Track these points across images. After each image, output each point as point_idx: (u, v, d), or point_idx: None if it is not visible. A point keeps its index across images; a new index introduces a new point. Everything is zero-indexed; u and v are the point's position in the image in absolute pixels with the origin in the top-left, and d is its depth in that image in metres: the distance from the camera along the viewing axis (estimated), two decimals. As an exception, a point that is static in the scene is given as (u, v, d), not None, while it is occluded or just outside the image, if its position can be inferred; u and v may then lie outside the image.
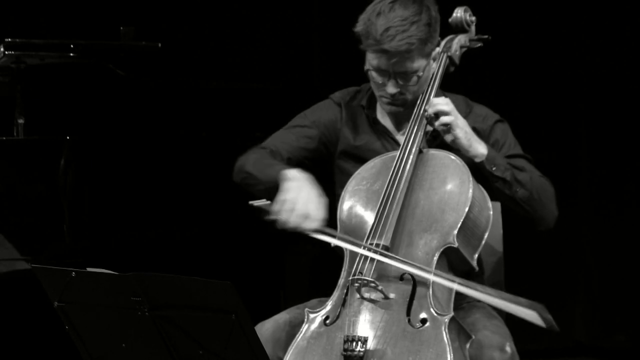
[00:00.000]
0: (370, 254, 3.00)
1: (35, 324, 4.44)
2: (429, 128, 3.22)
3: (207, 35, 5.51)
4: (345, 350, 2.90)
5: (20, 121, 4.22)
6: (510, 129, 3.33)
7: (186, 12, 5.52)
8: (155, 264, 4.01)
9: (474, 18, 3.40)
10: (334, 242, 3.05)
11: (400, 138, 3.26)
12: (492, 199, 3.18)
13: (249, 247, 4.40)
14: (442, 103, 3.17)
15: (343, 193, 3.20)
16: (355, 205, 3.17)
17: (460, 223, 3.03)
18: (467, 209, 3.05)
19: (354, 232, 3.11)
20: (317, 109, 3.43)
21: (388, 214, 3.06)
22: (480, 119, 3.30)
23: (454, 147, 3.17)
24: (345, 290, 3.03)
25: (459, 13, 3.38)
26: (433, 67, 3.26)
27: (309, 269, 4.70)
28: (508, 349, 3.02)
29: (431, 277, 2.96)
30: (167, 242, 4.23)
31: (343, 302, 3.01)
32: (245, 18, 5.53)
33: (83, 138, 4.08)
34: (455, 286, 2.98)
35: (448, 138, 3.16)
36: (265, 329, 3.12)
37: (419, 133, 3.18)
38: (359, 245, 3.03)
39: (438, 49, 3.27)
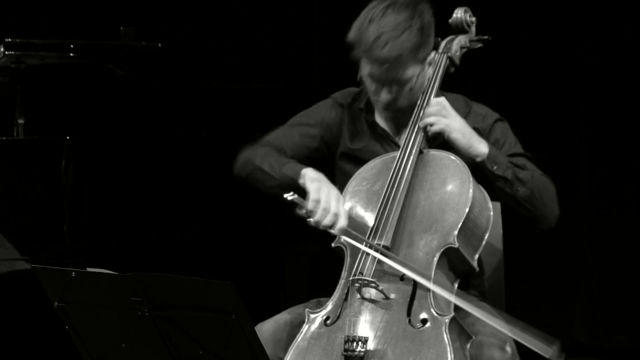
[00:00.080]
0: (382, 257, 2.99)
1: (35, 324, 4.44)
2: (430, 129, 3.22)
3: (207, 35, 5.52)
4: (345, 350, 2.90)
5: (20, 121, 4.22)
6: (512, 129, 3.32)
7: (186, 12, 5.52)
8: (155, 264, 4.02)
9: (474, 19, 3.40)
10: (359, 246, 3.04)
11: (400, 141, 3.25)
12: (493, 199, 3.18)
13: (249, 247, 4.40)
14: (432, 113, 3.16)
15: (343, 194, 3.19)
16: (356, 205, 3.16)
17: (461, 223, 3.03)
18: (467, 210, 3.05)
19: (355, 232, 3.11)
20: (320, 108, 3.42)
21: (388, 215, 3.06)
22: (480, 118, 3.29)
23: (455, 147, 3.17)
24: (345, 291, 3.03)
25: (459, 14, 3.37)
26: (429, 73, 3.25)
27: (309, 269, 4.70)
28: (508, 348, 3.02)
29: (430, 286, 2.96)
30: (167, 242, 4.23)
31: (343, 302, 3.01)
32: (245, 18, 5.54)
33: (83, 138, 4.08)
34: (453, 299, 2.98)
35: (447, 138, 3.16)
36: (265, 329, 3.12)
37: (419, 134, 3.18)
38: (373, 249, 3.02)
39: (434, 54, 3.26)
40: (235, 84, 4.91)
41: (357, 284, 2.99)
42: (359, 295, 2.99)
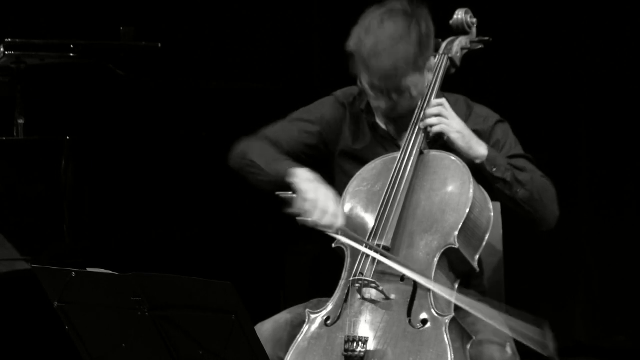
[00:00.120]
0: (380, 257, 2.99)
1: (35, 324, 4.44)
2: (430, 130, 3.21)
3: (207, 35, 5.51)
4: (346, 350, 2.90)
5: (20, 121, 4.22)
6: (512, 130, 3.32)
7: (186, 12, 5.52)
8: (155, 264, 4.02)
9: (475, 20, 3.39)
10: (358, 247, 3.04)
11: (401, 142, 3.25)
12: (493, 199, 3.18)
13: (249, 247, 4.40)
14: (433, 113, 3.16)
15: (344, 194, 3.19)
16: (356, 206, 3.16)
17: (461, 224, 3.03)
18: (467, 210, 3.04)
19: (355, 233, 3.11)
20: (321, 105, 3.42)
21: (389, 215, 3.05)
22: (481, 120, 3.29)
23: (454, 149, 3.17)
24: (346, 291, 3.03)
25: (460, 15, 3.37)
26: (428, 79, 3.24)
27: (309, 269, 4.70)
28: (509, 349, 3.02)
29: (431, 286, 2.96)
30: (167, 242, 4.23)
31: (344, 303, 3.01)
32: (245, 18, 5.53)
33: (83, 138, 4.08)
34: (454, 298, 2.98)
35: (447, 140, 3.16)
36: (265, 329, 3.12)
37: (420, 135, 3.18)
38: (371, 249, 3.02)
39: (433, 60, 3.25)
40: (235, 84, 4.91)
41: (357, 285, 2.99)
42: (359, 296, 2.99)
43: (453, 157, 3.15)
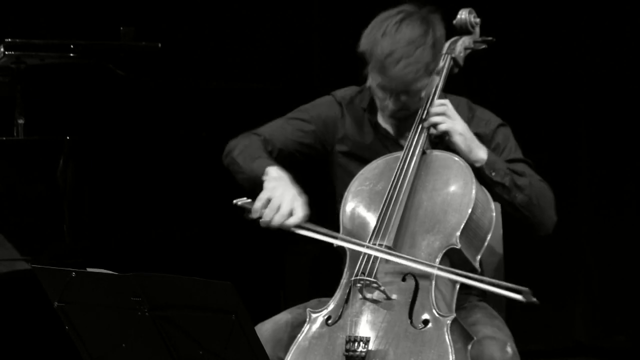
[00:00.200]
0: (374, 252, 3.00)
1: (35, 324, 4.44)
2: (433, 131, 3.21)
3: (207, 35, 5.51)
4: (347, 350, 2.90)
5: (20, 121, 4.22)
6: (512, 129, 3.32)
7: (186, 12, 5.51)
8: (155, 264, 4.01)
9: (478, 20, 3.39)
10: (317, 237, 3.06)
11: (403, 142, 3.25)
12: (493, 200, 3.18)
13: (249, 247, 4.39)
14: (437, 112, 3.16)
15: (346, 194, 3.19)
16: (358, 206, 3.16)
17: (463, 224, 3.03)
18: (470, 210, 3.04)
19: (357, 232, 3.11)
20: (319, 104, 3.43)
21: (391, 215, 3.05)
22: (483, 123, 3.29)
23: (455, 151, 3.17)
24: (347, 291, 3.03)
25: (463, 15, 3.37)
26: (435, 80, 3.24)
27: (309, 269, 4.69)
28: (509, 349, 3.01)
29: (435, 272, 2.96)
30: (167, 242, 4.23)
31: (345, 303, 3.01)
32: (245, 18, 5.53)
33: (83, 138, 4.08)
34: (460, 279, 2.98)
35: (448, 141, 3.16)
36: (265, 329, 3.12)
37: (423, 135, 3.18)
38: (362, 246, 3.02)
39: (442, 63, 3.26)
40: (235, 84, 4.91)
41: (359, 284, 2.98)
42: (360, 296, 2.99)
43: (456, 158, 3.15)
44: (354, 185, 3.20)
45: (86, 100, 4.52)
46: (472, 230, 3.06)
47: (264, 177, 3.13)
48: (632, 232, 5.33)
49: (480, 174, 3.14)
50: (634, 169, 5.33)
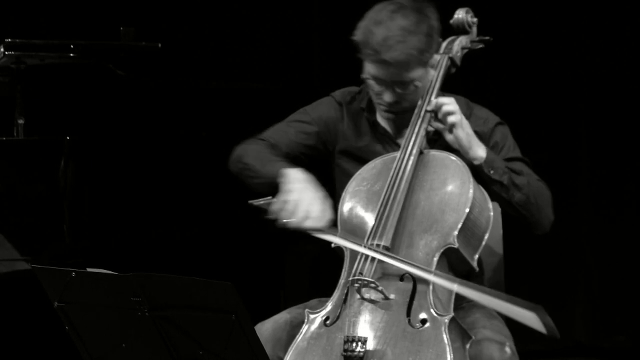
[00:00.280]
0: (372, 253, 3.00)
1: (35, 324, 4.44)
2: (430, 129, 3.22)
3: (207, 35, 5.52)
4: (345, 350, 2.90)
5: (20, 121, 4.22)
6: (511, 129, 3.33)
7: (186, 12, 5.52)
8: (155, 264, 4.02)
9: (475, 19, 3.40)
10: (335, 240, 3.05)
11: (401, 141, 3.25)
12: (492, 200, 3.18)
13: (249, 247, 4.40)
14: (449, 102, 3.16)
15: (344, 194, 3.20)
16: (356, 206, 3.16)
17: (461, 224, 3.03)
18: (467, 210, 3.05)
19: (355, 232, 3.11)
20: (319, 105, 3.43)
21: (388, 215, 3.05)
22: (481, 121, 3.29)
23: (455, 148, 3.17)
24: (345, 291, 3.03)
25: (460, 14, 3.37)
26: (431, 74, 3.25)
27: (309, 269, 4.70)
28: (508, 349, 3.01)
29: (431, 278, 2.96)
30: (167, 242, 4.23)
31: (343, 303, 3.01)
32: (245, 18, 5.54)
33: (83, 138, 4.08)
34: (456, 287, 2.98)
35: (449, 138, 3.16)
36: (265, 329, 3.12)
37: (420, 134, 3.18)
38: (360, 245, 3.03)
39: (437, 56, 3.26)
40: (235, 84, 4.91)
41: (356, 285, 2.98)
42: (358, 296, 2.99)
43: (453, 157, 3.15)
44: (352, 185, 3.21)
45: (86, 100, 4.52)
46: (470, 229, 3.06)
47: (283, 180, 3.12)
48: (632, 232, 5.33)
49: (478, 172, 3.14)
50: (634, 169, 5.33)
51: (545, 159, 4.90)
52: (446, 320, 2.90)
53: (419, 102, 3.23)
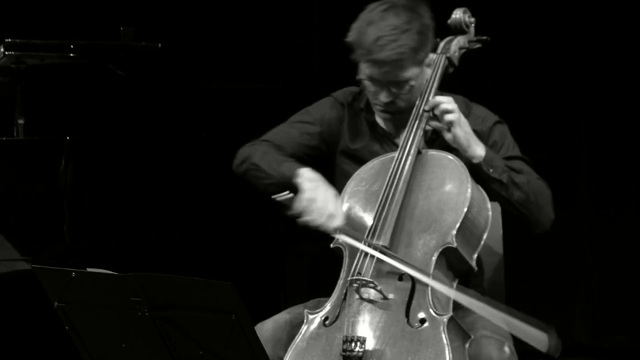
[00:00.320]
0: (385, 258, 2.99)
1: (35, 324, 4.44)
2: (428, 129, 3.22)
3: (207, 35, 5.52)
4: (344, 350, 2.90)
5: (20, 121, 4.22)
6: (510, 129, 3.33)
7: (186, 12, 5.52)
8: (155, 264, 4.02)
9: (473, 19, 3.40)
10: (357, 245, 3.04)
11: (399, 141, 3.25)
12: (490, 199, 3.18)
13: (249, 247, 4.40)
14: (447, 101, 3.16)
15: (342, 194, 3.20)
16: (355, 206, 3.16)
17: (459, 223, 3.03)
18: (465, 209, 3.05)
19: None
20: (321, 106, 3.43)
21: (387, 215, 3.06)
22: (479, 120, 3.29)
23: (453, 147, 3.17)
24: (344, 291, 3.03)
25: (457, 14, 3.37)
26: (427, 74, 3.25)
27: (309, 269, 4.70)
28: (507, 348, 3.02)
29: (429, 282, 2.96)
30: (167, 242, 4.23)
31: (342, 303, 3.01)
32: (245, 18, 5.54)
33: (83, 138, 4.08)
34: (453, 294, 2.98)
35: (448, 137, 3.16)
36: (265, 329, 3.12)
37: (418, 134, 3.18)
38: (379, 252, 3.02)
39: (432, 55, 3.26)
40: (235, 84, 4.91)
41: (355, 284, 2.99)
42: (357, 296, 2.99)
43: (451, 157, 3.15)
44: (350, 185, 3.21)
45: (86, 100, 4.52)
46: (468, 229, 3.06)
47: (298, 179, 3.12)
48: (632, 232, 5.33)
49: (477, 170, 3.14)
50: (634, 169, 5.33)
51: (545, 159, 4.89)
52: (445, 320, 2.91)
53: (417, 102, 3.23)
